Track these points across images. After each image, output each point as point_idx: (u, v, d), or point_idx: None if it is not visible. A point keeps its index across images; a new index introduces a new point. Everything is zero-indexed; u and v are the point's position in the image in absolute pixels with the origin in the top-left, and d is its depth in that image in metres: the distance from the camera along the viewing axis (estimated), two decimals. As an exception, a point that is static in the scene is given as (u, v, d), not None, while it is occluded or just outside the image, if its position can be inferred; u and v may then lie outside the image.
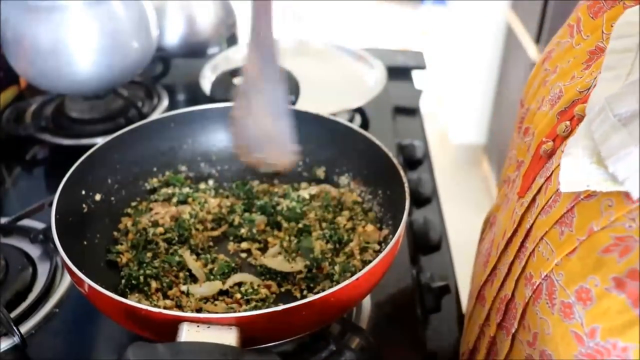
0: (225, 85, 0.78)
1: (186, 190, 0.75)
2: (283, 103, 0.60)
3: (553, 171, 0.47)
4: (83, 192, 0.67)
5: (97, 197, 0.69)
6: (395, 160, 0.66)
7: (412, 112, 1.14)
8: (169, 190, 0.74)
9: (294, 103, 0.77)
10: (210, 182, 0.78)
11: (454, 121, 2.69)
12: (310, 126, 0.76)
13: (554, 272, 0.44)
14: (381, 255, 0.54)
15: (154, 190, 0.75)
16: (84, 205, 0.67)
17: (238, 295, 0.61)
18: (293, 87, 0.78)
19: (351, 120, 1.02)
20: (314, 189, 0.74)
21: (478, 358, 0.58)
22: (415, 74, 1.26)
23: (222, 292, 0.62)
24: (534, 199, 0.49)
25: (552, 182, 0.47)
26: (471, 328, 0.61)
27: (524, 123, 0.58)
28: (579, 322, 0.41)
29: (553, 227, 0.45)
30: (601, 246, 0.40)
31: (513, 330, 0.50)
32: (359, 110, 1.05)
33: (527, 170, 0.52)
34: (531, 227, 0.48)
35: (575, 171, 0.39)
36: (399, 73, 1.20)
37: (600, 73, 0.42)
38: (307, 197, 0.73)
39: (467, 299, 0.73)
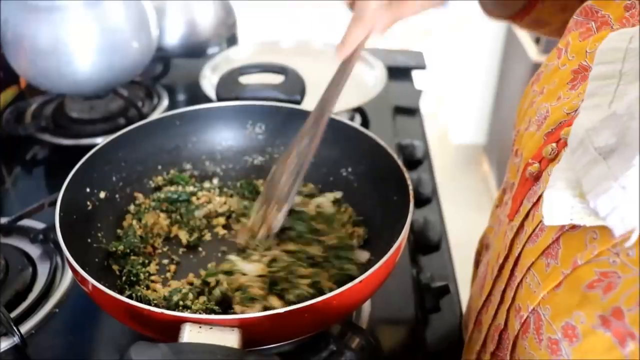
0: (230, 84, 0.78)
1: (190, 188, 0.75)
2: (304, 167, 0.63)
3: (540, 196, 0.46)
4: (87, 190, 0.67)
5: (102, 194, 0.69)
6: (399, 162, 0.66)
7: (412, 112, 1.14)
8: (173, 189, 0.74)
9: (299, 103, 0.77)
10: (215, 180, 0.78)
11: (454, 121, 2.69)
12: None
13: (541, 306, 0.43)
14: (385, 258, 0.54)
15: (158, 188, 0.75)
16: (88, 203, 0.67)
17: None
18: (299, 87, 0.78)
19: (351, 120, 1.02)
20: (339, 194, 0.74)
21: None
22: (415, 74, 1.26)
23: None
24: (522, 224, 0.48)
25: (539, 209, 0.45)
26: (469, 352, 0.60)
27: (514, 145, 0.57)
28: (565, 358, 0.40)
29: (539, 258, 0.44)
30: (585, 281, 0.39)
31: None
32: (359, 110, 1.05)
33: (515, 192, 0.51)
34: (519, 254, 0.47)
35: (558, 204, 0.38)
36: (399, 73, 1.20)
37: (582, 100, 0.41)
38: (332, 199, 0.73)
39: (466, 301, 0.73)
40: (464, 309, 0.79)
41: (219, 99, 0.77)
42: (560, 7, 0.73)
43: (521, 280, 0.46)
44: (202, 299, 0.61)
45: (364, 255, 0.66)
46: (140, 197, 0.74)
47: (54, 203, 0.61)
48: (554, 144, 0.46)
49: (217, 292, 0.60)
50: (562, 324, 0.40)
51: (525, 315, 0.44)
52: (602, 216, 0.35)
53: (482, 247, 0.67)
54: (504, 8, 0.77)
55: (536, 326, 0.43)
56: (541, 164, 0.47)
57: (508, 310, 0.49)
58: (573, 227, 0.41)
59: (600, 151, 0.36)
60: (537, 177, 0.48)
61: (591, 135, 0.37)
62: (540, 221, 0.44)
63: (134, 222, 0.70)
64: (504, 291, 0.50)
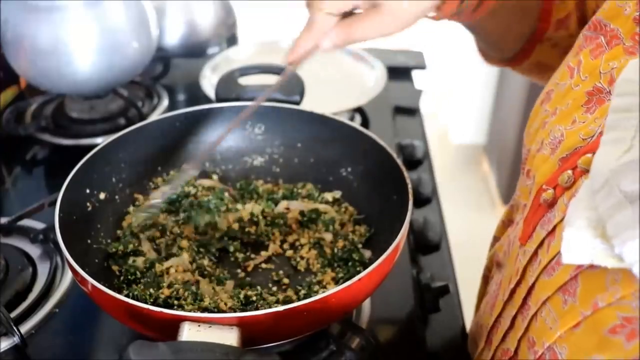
0: (229, 85, 0.78)
1: (190, 189, 0.75)
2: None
3: (556, 225, 0.44)
4: (87, 191, 0.67)
5: (102, 195, 0.69)
6: (399, 162, 0.66)
7: (412, 112, 1.14)
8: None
9: (299, 103, 0.77)
10: (215, 180, 0.78)
11: (454, 121, 2.69)
12: (314, 126, 0.76)
13: (557, 345, 0.41)
14: (383, 257, 0.54)
15: (158, 189, 0.75)
16: (88, 204, 0.67)
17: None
18: (298, 88, 0.78)
19: (351, 120, 1.02)
20: (338, 194, 0.74)
21: None
22: (415, 74, 1.26)
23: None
24: (535, 252, 0.47)
25: (555, 239, 0.44)
26: None
27: (526, 164, 0.55)
28: None
29: (556, 294, 0.42)
30: (607, 325, 0.38)
31: None
32: (359, 110, 1.05)
33: (527, 216, 0.50)
34: (533, 284, 0.46)
35: (578, 244, 0.37)
36: (399, 73, 1.20)
37: (603, 133, 0.39)
38: (331, 200, 0.73)
39: (466, 301, 0.73)
40: (464, 308, 0.79)
41: (219, 100, 0.77)
42: (562, 48, 0.69)
43: (536, 313, 0.45)
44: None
45: (365, 254, 0.66)
46: (140, 198, 0.74)
47: (54, 203, 0.61)
48: (569, 172, 0.45)
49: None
50: None
51: (540, 352, 0.43)
52: (629, 263, 0.34)
53: (493, 264, 0.65)
54: (501, 51, 0.75)
55: None
56: (556, 190, 0.46)
57: (519, 340, 0.48)
58: (592, 265, 0.38)
59: (626, 195, 0.34)
60: (551, 204, 0.46)
61: (617, 176, 0.35)
62: (557, 253, 0.43)
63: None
64: (514, 317, 0.49)
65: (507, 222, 0.65)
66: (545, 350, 0.42)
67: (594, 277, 0.39)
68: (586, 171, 0.43)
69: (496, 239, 0.67)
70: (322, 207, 0.71)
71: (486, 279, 0.68)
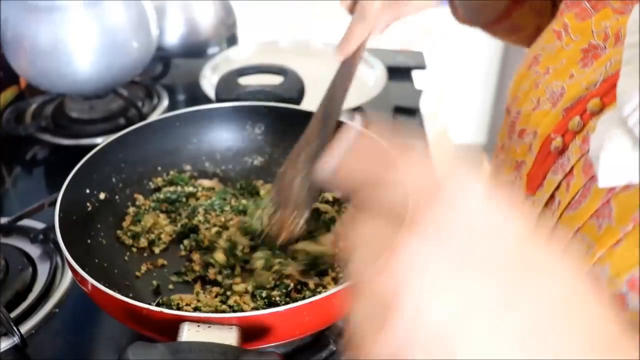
0: (230, 84, 0.78)
1: (190, 189, 0.75)
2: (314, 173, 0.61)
3: (573, 166, 0.47)
4: (87, 191, 0.68)
5: (102, 195, 0.69)
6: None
7: (412, 112, 1.14)
8: (172, 189, 0.74)
9: (298, 103, 0.77)
10: (215, 181, 0.78)
11: (454, 121, 2.69)
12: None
13: (599, 264, 0.43)
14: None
15: (158, 189, 0.75)
16: (88, 204, 0.67)
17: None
18: (298, 88, 0.78)
19: (351, 120, 1.02)
20: (338, 193, 0.74)
21: None
22: (415, 74, 1.26)
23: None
24: (552, 196, 0.49)
25: (574, 178, 0.47)
26: None
27: (517, 126, 0.58)
28: (634, 310, 0.41)
29: (588, 221, 0.44)
30: None
31: None
32: (359, 110, 1.05)
33: (531, 169, 0.53)
34: (556, 224, 0.48)
35: (616, 166, 0.40)
36: (399, 73, 1.20)
37: (621, 69, 0.43)
38: (331, 199, 0.73)
39: None
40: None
41: (219, 100, 0.77)
42: (537, 11, 0.75)
43: (566, 247, 0.46)
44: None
45: None
46: (140, 198, 0.74)
47: (54, 203, 0.61)
48: (578, 117, 0.48)
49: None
50: (626, 277, 0.41)
51: None
52: None
53: None
54: (481, 14, 0.77)
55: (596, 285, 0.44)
56: (565, 137, 0.49)
57: None
58: (624, 188, 0.42)
59: None
60: (562, 151, 0.49)
61: None
62: (581, 188, 0.46)
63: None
64: None
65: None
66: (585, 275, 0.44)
67: (629, 196, 0.41)
68: (595, 113, 0.47)
69: None
70: (322, 207, 0.71)
71: None
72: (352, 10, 0.65)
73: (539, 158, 0.52)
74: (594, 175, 0.44)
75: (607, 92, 0.47)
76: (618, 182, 0.40)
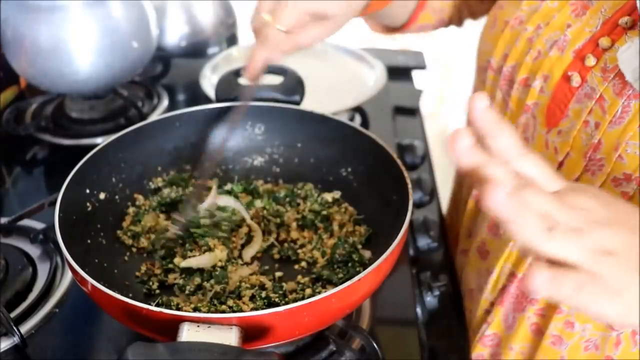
0: (229, 85, 0.78)
1: (190, 189, 0.74)
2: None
3: (602, 93, 0.56)
4: (87, 191, 0.67)
5: (102, 195, 0.69)
6: (399, 162, 0.66)
7: (412, 112, 1.14)
8: (172, 190, 0.74)
9: (298, 103, 0.77)
10: (215, 181, 0.78)
11: (454, 121, 2.69)
12: (314, 126, 0.76)
13: None
14: (383, 257, 0.54)
15: (158, 190, 0.75)
16: (88, 204, 0.67)
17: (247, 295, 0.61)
18: (298, 87, 0.78)
19: (351, 120, 1.02)
20: (337, 194, 0.74)
21: None
22: (415, 74, 1.26)
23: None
24: (585, 121, 0.58)
25: (608, 100, 0.56)
26: (515, 255, 0.66)
27: (516, 77, 0.67)
28: None
29: (638, 130, 0.53)
30: None
31: None
32: (359, 110, 1.05)
33: (549, 105, 0.62)
34: (599, 141, 0.56)
35: None
36: (399, 73, 1.20)
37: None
38: (330, 200, 0.73)
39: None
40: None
41: (218, 100, 0.77)
42: (437, 10, 0.88)
43: (619, 156, 0.55)
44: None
45: (365, 254, 0.66)
46: (140, 198, 0.74)
47: (53, 203, 0.61)
48: (590, 55, 0.58)
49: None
50: None
51: None
52: None
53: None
54: (391, 23, 0.89)
55: None
56: (580, 73, 0.59)
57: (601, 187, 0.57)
58: None
59: None
60: (580, 85, 0.59)
61: None
62: (618, 107, 0.54)
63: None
64: (577, 180, 0.59)
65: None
66: None
67: None
68: (607, 49, 0.57)
69: None
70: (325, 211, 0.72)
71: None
72: (258, 34, 0.71)
73: (558, 94, 0.61)
74: (629, 94, 0.54)
75: (611, 30, 0.58)
76: None
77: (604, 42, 0.58)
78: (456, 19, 0.91)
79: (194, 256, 0.65)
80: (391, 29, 0.92)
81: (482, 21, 0.82)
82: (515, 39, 0.68)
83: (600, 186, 0.57)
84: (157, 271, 0.66)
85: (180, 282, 0.63)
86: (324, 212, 0.71)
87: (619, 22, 0.57)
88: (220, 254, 0.64)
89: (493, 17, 0.74)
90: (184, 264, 0.64)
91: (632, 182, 0.55)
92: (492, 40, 0.73)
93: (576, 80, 0.60)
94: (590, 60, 0.59)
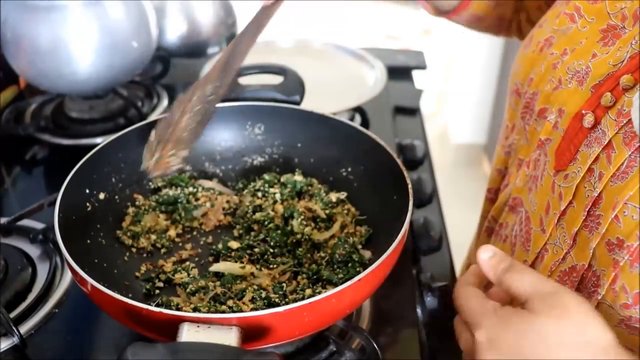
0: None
1: (190, 189, 0.74)
2: (210, 106, 0.65)
3: (611, 140, 0.50)
4: (87, 191, 0.67)
5: (101, 195, 0.69)
6: (399, 162, 0.66)
7: (412, 112, 1.14)
8: (172, 190, 0.74)
9: (298, 103, 0.77)
10: (214, 181, 0.78)
11: (454, 121, 2.69)
12: (314, 126, 0.76)
13: None
14: (383, 257, 0.54)
15: (158, 190, 0.75)
16: (87, 204, 0.67)
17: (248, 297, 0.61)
18: (298, 87, 0.78)
19: (351, 120, 1.02)
20: (343, 195, 0.73)
21: None
22: (415, 74, 1.26)
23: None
24: (590, 169, 0.52)
25: (615, 150, 0.49)
26: None
27: (535, 106, 0.61)
28: None
29: (638, 191, 0.47)
30: None
31: (599, 297, 0.51)
32: (359, 110, 1.05)
33: (560, 144, 0.55)
34: (599, 195, 0.50)
35: None
36: (399, 73, 1.20)
37: None
38: (334, 200, 0.73)
39: None
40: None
41: (218, 100, 0.77)
42: (496, 2, 0.81)
43: (615, 216, 0.49)
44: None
45: (365, 254, 0.66)
46: (139, 198, 0.74)
47: (53, 203, 0.61)
48: (609, 93, 0.51)
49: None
50: None
51: (634, 245, 0.47)
52: None
53: (501, 211, 0.68)
54: (441, 5, 0.84)
55: None
56: (596, 113, 0.52)
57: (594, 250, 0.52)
58: None
59: None
60: (594, 126, 0.52)
61: None
62: (625, 160, 0.48)
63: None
64: (576, 235, 0.53)
65: (503, 170, 0.70)
66: None
67: None
68: (628, 88, 0.50)
69: (491, 190, 0.73)
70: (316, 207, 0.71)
71: (490, 231, 0.71)
72: None
73: (570, 133, 0.54)
74: (638, 147, 0.48)
75: (637, 68, 0.50)
76: None
77: (625, 80, 0.50)
78: (515, 24, 0.84)
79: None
80: (443, 12, 0.85)
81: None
82: (541, 62, 0.62)
83: (595, 247, 0.51)
84: (167, 269, 0.65)
85: (186, 280, 0.63)
86: (327, 212, 0.71)
87: None
88: (250, 268, 0.64)
89: (530, 36, 0.67)
90: (214, 268, 0.64)
91: (623, 250, 0.48)
92: (522, 61, 0.66)
93: (589, 120, 0.52)
94: (607, 100, 0.51)
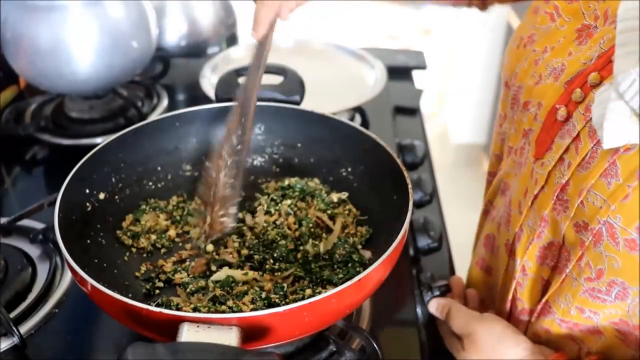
0: (229, 84, 0.78)
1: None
2: (241, 157, 0.67)
3: (579, 132, 0.54)
4: (87, 191, 0.67)
5: (101, 195, 0.69)
6: (399, 162, 0.66)
7: (412, 112, 1.14)
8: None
9: (298, 103, 0.77)
10: None
11: (454, 121, 2.69)
12: (314, 126, 0.76)
13: (611, 217, 0.51)
14: (383, 257, 0.54)
15: (157, 190, 0.75)
16: (87, 204, 0.67)
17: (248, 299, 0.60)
18: (298, 87, 0.78)
19: (351, 120, 1.02)
20: (344, 195, 0.73)
21: (519, 305, 0.66)
22: (415, 74, 1.26)
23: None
24: (561, 158, 0.56)
25: (582, 142, 0.54)
26: (509, 280, 0.67)
27: (520, 98, 0.65)
28: None
29: (598, 180, 0.52)
30: None
31: (567, 271, 0.57)
32: (359, 110, 1.05)
33: (539, 135, 0.60)
34: (567, 182, 0.56)
35: (617, 130, 0.47)
36: (399, 73, 1.20)
37: (615, 51, 0.49)
38: (336, 200, 0.73)
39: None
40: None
41: (218, 100, 0.77)
42: None
43: (581, 202, 0.54)
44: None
45: (366, 254, 0.66)
46: (139, 198, 0.74)
47: (53, 203, 0.61)
48: (579, 90, 0.55)
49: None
50: (636, 225, 0.50)
51: (596, 228, 0.53)
52: None
53: (496, 194, 0.73)
54: None
55: (610, 233, 0.52)
56: (568, 107, 0.56)
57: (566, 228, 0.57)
58: (627, 149, 0.50)
59: None
60: (566, 119, 0.57)
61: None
62: (589, 150, 0.53)
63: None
64: (546, 216, 0.59)
65: (500, 155, 0.74)
66: (601, 225, 0.52)
67: (631, 157, 0.50)
68: (595, 85, 0.54)
69: (491, 174, 0.77)
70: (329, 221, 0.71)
71: (487, 214, 0.76)
72: None
73: (546, 125, 0.59)
74: (599, 140, 0.51)
75: (603, 66, 0.54)
76: (618, 144, 0.48)
77: (593, 78, 0.55)
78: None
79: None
80: None
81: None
82: (524, 58, 0.66)
83: (565, 228, 0.57)
84: (167, 269, 0.65)
85: (186, 280, 0.63)
86: (329, 212, 0.71)
87: (612, 57, 0.52)
88: (252, 274, 0.63)
89: (516, 31, 0.71)
90: (215, 277, 0.63)
91: (588, 232, 0.54)
92: (509, 55, 0.70)
93: (561, 114, 0.57)
94: (577, 96, 0.56)
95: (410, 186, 0.62)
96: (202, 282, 0.62)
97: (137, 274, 0.66)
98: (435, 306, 0.69)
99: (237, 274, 0.62)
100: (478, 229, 0.79)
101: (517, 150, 0.66)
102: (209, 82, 1.04)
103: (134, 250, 0.68)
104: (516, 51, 0.68)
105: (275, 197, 0.73)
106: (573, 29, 0.60)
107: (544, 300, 0.61)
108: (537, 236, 0.60)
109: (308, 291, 0.61)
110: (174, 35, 1.16)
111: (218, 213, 0.66)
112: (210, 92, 0.99)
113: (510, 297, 0.66)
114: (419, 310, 0.71)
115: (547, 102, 0.59)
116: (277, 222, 0.69)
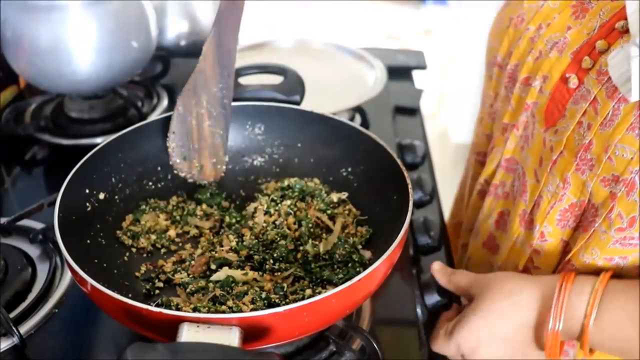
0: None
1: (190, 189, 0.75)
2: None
3: (596, 95, 0.58)
4: (87, 191, 0.67)
5: (101, 195, 0.69)
6: (399, 162, 0.66)
7: (412, 112, 1.14)
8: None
9: (298, 103, 0.77)
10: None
11: (454, 121, 2.69)
12: (314, 126, 0.76)
13: None
14: (383, 257, 0.54)
15: (157, 190, 0.75)
16: (87, 204, 0.67)
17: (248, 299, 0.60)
18: (298, 87, 0.78)
19: (351, 120, 1.02)
20: (344, 195, 0.73)
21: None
22: (415, 74, 1.26)
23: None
24: (579, 122, 0.60)
25: (600, 103, 0.58)
26: (508, 256, 0.71)
27: (519, 75, 0.69)
28: None
29: (625, 134, 0.55)
30: None
31: (596, 225, 0.60)
32: (359, 110, 1.05)
33: (548, 105, 0.64)
34: (590, 142, 0.59)
35: None
36: (399, 73, 1.20)
37: (627, 9, 0.56)
38: (336, 200, 0.72)
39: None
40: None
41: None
42: None
43: (609, 157, 0.57)
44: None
45: (366, 254, 0.66)
46: (139, 198, 0.73)
47: (53, 203, 0.61)
48: (587, 57, 0.60)
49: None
50: None
51: (629, 178, 0.56)
52: None
53: (494, 174, 0.76)
54: None
55: None
56: (578, 74, 0.61)
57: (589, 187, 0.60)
58: None
59: None
60: (578, 86, 0.61)
61: None
62: (610, 110, 0.57)
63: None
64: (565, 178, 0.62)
65: (490, 135, 0.79)
66: (634, 175, 0.56)
67: None
68: (603, 51, 0.59)
69: (480, 154, 0.82)
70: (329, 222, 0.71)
71: (483, 194, 0.79)
72: None
73: (556, 95, 0.63)
74: (619, 98, 0.56)
75: (608, 34, 0.59)
76: None
77: (600, 45, 0.60)
78: None
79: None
80: None
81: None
82: (518, 37, 0.70)
83: (592, 185, 0.60)
84: (167, 269, 0.65)
85: (186, 280, 0.63)
86: (329, 212, 0.71)
87: (616, 25, 0.59)
88: (252, 274, 0.63)
89: (500, 14, 0.76)
90: (215, 277, 0.62)
91: (620, 183, 0.57)
92: (498, 36, 0.75)
93: (573, 82, 0.62)
94: (587, 63, 0.61)
95: (410, 186, 0.62)
96: (202, 282, 0.62)
97: (137, 274, 0.66)
98: (438, 267, 0.70)
99: (237, 274, 0.62)
100: (471, 212, 0.82)
101: (520, 125, 0.70)
102: (209, 82, 1.04)
103: (134, 250, 0.68)
104: (507, 32, 0.72)
105: (275, 198, 0.73)
106: (567, 6, 0.65)
107: (565, 260, 0.64)
108: (559, 199, 0.63)
109: (308, 291, 0.61)
110: (174, 35, 1.16)
111: (210, 161, 0.72)
112: (210, 92, 0.99)
113: (520, 269, 0.68)
114: (419, 310, 0.71)
115: (555, 74, 0.64)
116: (277, 222, 0.69)
